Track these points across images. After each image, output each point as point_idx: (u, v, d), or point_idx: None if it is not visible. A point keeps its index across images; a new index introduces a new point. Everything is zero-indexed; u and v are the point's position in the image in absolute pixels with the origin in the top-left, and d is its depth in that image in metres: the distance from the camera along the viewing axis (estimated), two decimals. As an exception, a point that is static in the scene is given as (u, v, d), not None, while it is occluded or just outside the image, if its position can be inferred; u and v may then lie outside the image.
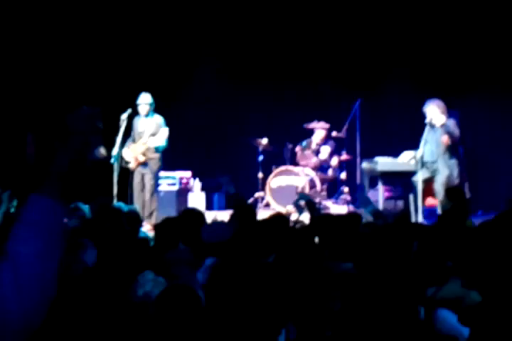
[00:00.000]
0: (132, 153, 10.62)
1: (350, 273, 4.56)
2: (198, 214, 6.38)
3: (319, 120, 12.54)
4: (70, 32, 12.75)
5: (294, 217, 10.12)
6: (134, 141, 10.72)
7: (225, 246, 5.53)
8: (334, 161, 12.29)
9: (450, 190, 7.64)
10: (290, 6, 13.30)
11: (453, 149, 10.05)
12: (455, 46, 12.81)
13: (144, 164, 10.67)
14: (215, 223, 7.30)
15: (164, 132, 10.64)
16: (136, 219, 7.09)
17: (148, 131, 10.66)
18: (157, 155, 10.72)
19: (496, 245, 5.03)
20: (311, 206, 8.84)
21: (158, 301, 3.50)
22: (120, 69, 12.95)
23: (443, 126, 10.02)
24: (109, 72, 12.92)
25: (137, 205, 10.21)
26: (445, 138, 10.02)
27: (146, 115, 10.74)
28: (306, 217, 9.70)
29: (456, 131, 10.05)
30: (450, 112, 10.26)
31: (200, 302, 3.49)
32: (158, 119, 10.77)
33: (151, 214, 10.50)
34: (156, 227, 6.27)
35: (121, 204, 9.18)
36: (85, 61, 12.84)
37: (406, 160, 10.21)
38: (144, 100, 10.73)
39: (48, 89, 12.53)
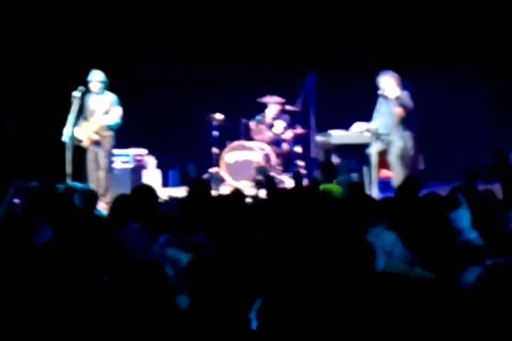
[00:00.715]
0: (85, 132, 10.50)
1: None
2: (150, 191, 6.34)
3: (273, 94, 12.51)
4: (24, 5, 12.55)
5: (249, 192, 10.15)
6: (86, 119, 10.60)
7: (178, 222, 5.50)
8: (288, 135, 12.28)
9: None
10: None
11: (407, 121, 10.09)
12: (407, 17, 12.83)
13: (97, 142, 10.57)
14: (172, 199, 7.31)
15: (117, 111, 10.55)
16: (91, 198, 7.04)
17: (100, 109, 10.56)
18: (110, 133, 10.63)
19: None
20: (270, 181, 8.87)
21: (127, 280, 3.44)
22: (72, 45, 12.78)
23: (397, 98, 10.05)
24: (61, 49, 12.74)
25: (92, 184, 10.14)
26: (399, 110, 10.05)
27: (98, 93, 10.63)
28: (263, 193, 9.74)
29: (410, 103, 10.08)
30: (404, 84, 10.29)
31: (168, 279, 3.47)
32: (111, 97, 10.67)
33: (105, 192, 10.42)
34: (110, 205, 6.23)
35: (76, 183, 9.13)
36: (37, 36, 12.64)
37: (359, 131, 10.23)
38: (96, 77, 10.61)
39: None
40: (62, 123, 10.28)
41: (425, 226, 4.90)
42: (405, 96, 10.10)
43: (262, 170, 10.97)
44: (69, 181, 9.84)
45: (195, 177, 12.04)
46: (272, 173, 11.55)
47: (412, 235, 4.91)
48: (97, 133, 10.53)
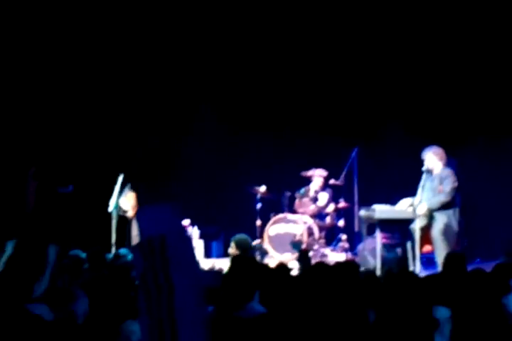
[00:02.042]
0: (129, 202, 10.62)
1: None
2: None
3: (317, 167, 12.60)
4: (65, 78, 12.87)
5: (292, 265, 10.15)
6: (132, 190, 10.72)
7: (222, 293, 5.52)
8: (331, 208, 12.32)
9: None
10: (283, 53, 13.43)
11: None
12: (453, 94, 12.91)
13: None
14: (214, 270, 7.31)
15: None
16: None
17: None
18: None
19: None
20: (304, 255, 8.86)
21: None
22: (120, 118, 13.03)
23: (439, 174, 10.08)
24: (107, 118, 12.99)
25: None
26: (441, 188, 10.07)
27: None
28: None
29: (454, 180, 10.08)
30: (448, 160, 10.32)
31: None
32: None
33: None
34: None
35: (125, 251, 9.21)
36: (85, 109, 12.94)
37: (404, 207, 10.23)
38: None
39: (49, 139, 12.60)
40: (109, 194, 10.42)
41: (478, 307, 4.88)
42: (447, 172, 10.12)
43: (295, 245, 11.02)
44: (113, 250, 9.92)
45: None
46: (314, 246, 11.56)
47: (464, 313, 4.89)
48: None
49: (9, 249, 7.10)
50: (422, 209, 9.99)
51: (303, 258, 8.62)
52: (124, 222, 10.70)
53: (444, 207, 10.04)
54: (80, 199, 12.01)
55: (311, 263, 8.50)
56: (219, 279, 6.05)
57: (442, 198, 10.01)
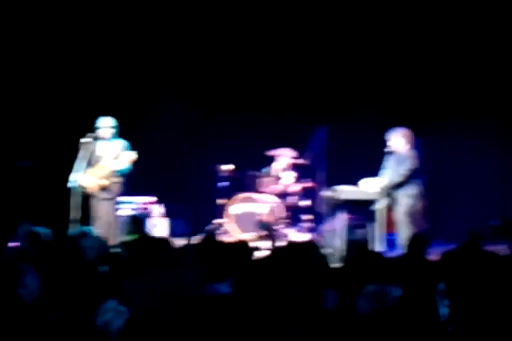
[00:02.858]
0: (91, 178, 10.44)
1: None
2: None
3: (283, 147, 12.51)
4: (35, 52, 12.71)
5: (253, 244, 10.07)
6: (92, 166, 10.55)
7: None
8: (295, 188, 12.25)
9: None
10: (251, 31, 13.32)
11: (413, 179, 10.03)
12: (420, 74, 12.89)
13: (105, 188, 10.51)
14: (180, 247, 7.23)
15: (129, 155, 10.46)
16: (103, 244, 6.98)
17: (109, 155, 10.51)
18: (119, 179, 10.57)
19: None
20: (272, 235, 8.81)
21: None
22: (83, 92, 12.88)
23: (404, 155, 10.04)
24: (71, 96, 12.84)
25: (97, 230, 10.06)
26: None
27: (108, 139, 10.60)
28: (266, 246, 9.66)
29: (413, 163, 10.03)
30: (414, 141, 10.26)
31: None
32: (121, 143, 10.63)
33: (110, 239, 10.32)
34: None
35: (89, 228, 9.09)
36: (48, 82, 12.77)
37: (367, 188, 10.19)
38: (105, 123, 10.59)
39: (9, 111, 12.45)
40: (70, 170, 10.27)
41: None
42: (411, 155, 10.06)
43: (262, 225, 10.94)
44: (76, 227, 9.79)
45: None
46: (278, 227, 11.48)
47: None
48: (105, 178, 10.45)
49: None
50: (376, 186, 9.96)
51: (272, 237, 8.56)
52: (85, 198, 10.53)
53: (406, 188, 9.99)
54: (39, 174, 11.88)
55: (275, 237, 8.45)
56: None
57: (395, 178, 9.98)
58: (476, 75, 12.70)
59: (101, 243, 6.90)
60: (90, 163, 10.55)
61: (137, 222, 8.61)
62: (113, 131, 10.62)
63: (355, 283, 5.18)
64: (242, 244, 6.65)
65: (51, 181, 11.54)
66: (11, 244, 6.85)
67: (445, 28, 12.72)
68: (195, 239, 7.40)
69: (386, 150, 10.12)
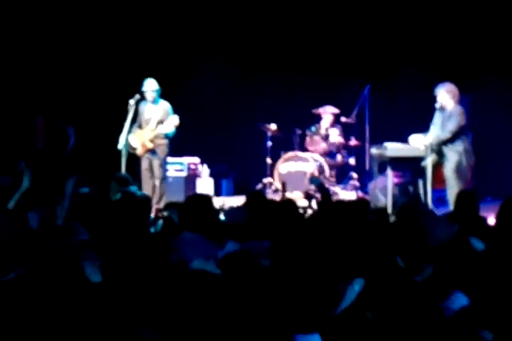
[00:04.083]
0: (139, 140, 10.56)
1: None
2: (205, 199, 6.33)
3: (327, 105, 12.49)
4: (78, 17, 12.75)
5: (302, 203, 10.13)
6: (140, 127, 10.66)
7: (242, 230, 5.55)
8: (340, 141, 12.23)
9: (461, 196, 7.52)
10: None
11: (461, 135, 9.95)
12: (467, 30, 12.71)
13: (152, 151, 10.62)
14: (233, 208, 7.33)
15: (174, 119, 10.55)
16: (147, 205, 7.06)
17: (155, 118, 10.60)
18: (165, 142, 10.67)
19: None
20: (323, 190, 8.80)
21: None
22: (127, 54, 12.92)
23: (450, 111, 9.94)
24: (116, 58, 12.89)
25: (146, 191, 10.18)
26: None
27: (153, 101, 10.68)
28: (314, 204, 9.70)
29: (460, 119, 9.92)
30: (461, 98, 10.16)
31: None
32: (166, 106, 10.71)
33: (159, 200, 10.46)
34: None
35: (135, 189, 9.20)
36: (93, 46, 12.82)
37: (416, 145, 10.13)
38: (150, 87, 10.66)
39: (56, 74, 12.52)
40: (119, 131, 10.36)
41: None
42: (458, 111, 9.95)
43: (315, 179, 10.91)
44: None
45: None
46: (325, 185, 11.49)
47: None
48: (151, 141, 10.57)
49: (26, 182, 7.08)
50: (423, 142, 9.89)
51: (323, 191, 8.55)
52: (133, 159, 10.64)
53: (454, 144, 9.91)
54: (89, 136, 11.99)
55: (329, 194, 8.43)
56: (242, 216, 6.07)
57: (442, 135, 9.88)
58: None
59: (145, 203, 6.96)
60: (139, 125, 10.66)
61: None
62: (157, 93, 10.69)
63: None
64: (290, 203, 6.71)
65: (101, 142, 11.64)
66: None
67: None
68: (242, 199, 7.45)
69: (436, 106, 10.01)
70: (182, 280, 3.70)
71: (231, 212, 6.69)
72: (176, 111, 10.71)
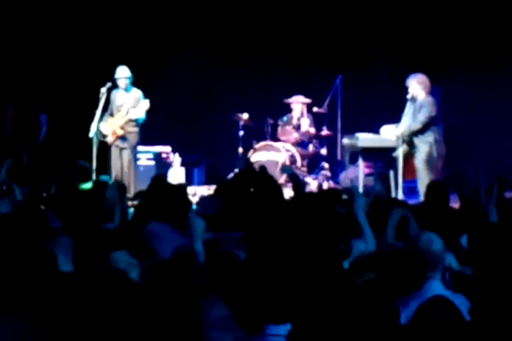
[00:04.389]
0: (110, 127, 10.51)
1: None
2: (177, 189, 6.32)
3: (299, 94, 12.50)
4: (52, 5, 12.66)
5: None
6: (111, 115, 10.62)
7: (214, 220, 5.54)
8: (311, 132, 12.24)
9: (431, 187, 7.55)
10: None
11: (430, 126, 9.99)
12: (439, 21, 12.75)
13: (123, 138, 10.58)
14: (205, 197, 7.30)
15: (145, 104, 10.52)
16: (123, 190, 7.03)
17: (127, 105, 10.57)
18: (136, 129, 10.64)
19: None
20: (295, 179, 8.79)
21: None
22: (99, 42, 12.84)
23: (421, 102, 9.97)
24: (88, 46, 12.80)
25: (116, 179, 10.14)
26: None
27: (125, 89, 10.64)
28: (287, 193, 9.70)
29: (431, 110, 9.95)
30: (432, 88, 10.19)
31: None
32: (137, 93, 10.69)
33: (129, 188, 10.40)
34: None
35: (106, 177, 9.17)
36: (67, 34, 12.73)
37: (387, 136, 10.17)
38: (123, 74, 10.63)
39: (27, 62, 12.42)
40: (90, 119, 10.31)
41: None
42: (428, 102, 9.98)
43: (286, 168, 10.92)
44: (94, 176, 9.86)
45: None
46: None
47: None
48: (122, 128, 10.53)
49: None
50: (393, 133, 9.93)
51: (294, 180, 8.57)
52: (104, 147, 10.60)
53: (425, 135, 9.95)
54: (61, 123, 11.92)
55: (302, 184, 8.44)
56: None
57: (412, 126, 9.92)
58: (500, 21, 12.53)
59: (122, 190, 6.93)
60: (110, 113, 10.62)
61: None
62: (130, 80, 10.66)
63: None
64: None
65: (73, 130, 11.58)
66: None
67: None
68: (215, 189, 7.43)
69: (408, 96, 10.05)
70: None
71: (202, 201, 6.67)
72: (148, 99, 10.66)
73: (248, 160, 11.70)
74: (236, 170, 11.63)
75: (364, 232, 4.87)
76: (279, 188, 6.67)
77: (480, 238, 4.20)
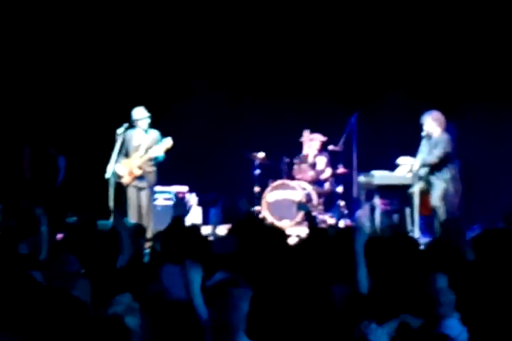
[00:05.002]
0: (126, 168, 10.52)
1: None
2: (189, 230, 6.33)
3: (314, 132, 12.54)
4: (65, 45, 12.80)
5: (291, 231, 10.12)
6: (126, 156, 10.62)
7: (233, 259, 5.54)
8: (328, 173, 12.28)
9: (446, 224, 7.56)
10: (282, 18, 13.29)
11: (446, 163, 9.98)
12: (452, 58, 12.80)
13: (141, 178, 10.59)
14: (221, 237, 7.31)
15: (167, 142, 10.52)
16: (141, 233, 7.06)
17: (144, 145, 10.59)
18: (154, 169, 10.66)
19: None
20: (310, 217, 8.81)
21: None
22: (114, 83, 12.96)
23: (436, 139, 9.99)
24: (103, 87, 12.93)
25: (133, 220, 10.15)
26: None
27: (144, 129, 10.67)
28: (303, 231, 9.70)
29: (447, 147, 9.96)
30: (448, 125, 10.21)
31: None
32: (155, 133, 10.72)
33: (147, 228, 10.40)
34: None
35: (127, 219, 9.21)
36: (82, 76, 12.87)
37: (403, 173, 10.16)
38: (143, 114, 10.66)
39: (45, 103, 12.56)
40: (106, 160, 10.37)
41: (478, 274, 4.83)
42: (444, 139, 10.00)
43: (302, 206, 10.93)
44: (112, 217, 9.89)
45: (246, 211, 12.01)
46: (313, 213, 11.51)
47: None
48: (140, 168, 10.55)
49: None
50: (410, 167, 9.93)
51: (309, 218, 8.59)
52: (121, 188, 10.62)
53: (441, 172, 9.94)
54: (78, 165, 12.00)
55: (316, 222, 8.43)
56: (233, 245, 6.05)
57: (428, 159, 9.92)
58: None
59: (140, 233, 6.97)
60: (127, 153, 10.65)
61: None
62: (149, 120, 10.70)
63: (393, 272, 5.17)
64: (279, 230, 6.70)
65: (90, 172, 11.64)
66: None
67: (479, 10, 12.62)
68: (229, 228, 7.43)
69: (423, 134, 10.07)
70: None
71: (219, 241, 6.68)
72: (170, 137, 10.69)
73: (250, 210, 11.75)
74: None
75: (358, 272, 4.78)
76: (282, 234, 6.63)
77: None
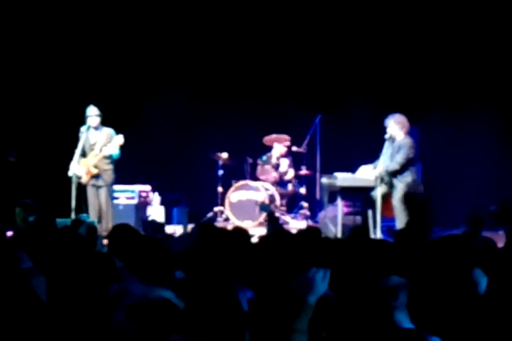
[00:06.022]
0: (83, 167, 10.43)
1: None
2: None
3: (278, 133, 12.57)
4: (30, 46, 12.73)
5: (253, 232, 10.12)
6: (83, 155, 10.53)
7: (189, 258, 5.50)
8: (291, 174, 12.32)
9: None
10: (246, 21, 13.32)
11: (408, 166, 10.03)
12: (417, 61, 12.90)
13: (98, 176, 10.50)
14: (180, 236, 7.29)
15: (118, 139, 10.43)
16: (93, 233, 7.01)
17: (99, 143, 10.49)
18: (110, 167, 10.54)
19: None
20: (272, 218, 8.83)
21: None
22: (78, 83, 12.90)
23: (399, 142, 10.03)
24: (67, 86, 12.87)
25: (94, 219, 10.09)
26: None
27: (96, 127, 10.58)
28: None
29: (409, 152, 10.00)
30: (411, 128, 10.27)
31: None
32: (109, 131, 10.58)
33: (107, 226, 10.36)
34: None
35: (85, 216, 9.14)
36: (46, 74, 12.79)
37: (366, 175, 10.21)
38: (94, 112, 10.58)
39: (6, 101, 12.47)
40: (69, 159, 10.30)
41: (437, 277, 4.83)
42: (407, 143, 10.04)
43: (264, 207, 10.96)
44: (73, 215, 9.84)
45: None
46: (275, 214, 11.53)
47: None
48: (96, 166, 10.45)
49: None
50: (372, 173, 9.98)
51: (271, 219, 8.61)
52: (81, 186, 10.55)
53: (402, 175, 9.99)
54: (41, 163, 11.93)
55: (279, 223, 8.43)
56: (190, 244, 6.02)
57: (390, 166, 9.97)
58: (475, 63, 12.69)
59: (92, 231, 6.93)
60: (84, 153, 10.55)
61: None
62: (99, 118, 10.60)
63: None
64: (241, 231, 6.69)
65: (54, 170, 11.56)
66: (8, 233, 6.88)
67: (442, 15, 12.72)
68: (193, 227, 7.43)
69: (386, 136, 10.11)
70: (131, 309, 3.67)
71: (175, 241, 6.65)
72: (127, 139, 10.63)
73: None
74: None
75: None
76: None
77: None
